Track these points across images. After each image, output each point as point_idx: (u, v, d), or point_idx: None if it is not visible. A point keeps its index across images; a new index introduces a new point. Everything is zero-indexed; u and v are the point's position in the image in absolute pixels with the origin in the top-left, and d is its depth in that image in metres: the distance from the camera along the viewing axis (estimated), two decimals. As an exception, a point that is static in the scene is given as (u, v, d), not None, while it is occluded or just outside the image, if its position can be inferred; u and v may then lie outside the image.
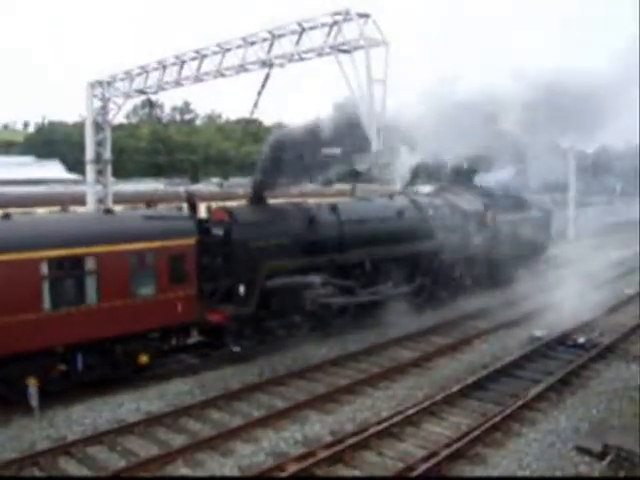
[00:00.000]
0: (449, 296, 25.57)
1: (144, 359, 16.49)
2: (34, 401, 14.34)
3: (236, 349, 18.12)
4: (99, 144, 25.36)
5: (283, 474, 11.57)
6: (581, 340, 19.62)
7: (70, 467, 12.32)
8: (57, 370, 15.38)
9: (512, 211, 28.83)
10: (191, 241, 17.35)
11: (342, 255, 20.94)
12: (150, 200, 20.76)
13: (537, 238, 30.28)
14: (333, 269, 20.51)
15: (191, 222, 18.00)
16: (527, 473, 11.88)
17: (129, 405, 15.11)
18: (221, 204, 21.56)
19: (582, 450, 12.52)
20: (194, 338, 19.29)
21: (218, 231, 18.75)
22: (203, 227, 18.78)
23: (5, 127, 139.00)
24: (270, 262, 18.69)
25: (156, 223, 17.07)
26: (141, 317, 16.30)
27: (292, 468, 11.74)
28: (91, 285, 15.63)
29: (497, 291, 27.06)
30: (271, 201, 21.05)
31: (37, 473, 12.11)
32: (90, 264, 15.59)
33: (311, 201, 24.11)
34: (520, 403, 14.68)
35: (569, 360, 17.97)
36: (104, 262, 15.70)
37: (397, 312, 21.95)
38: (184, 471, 12.11)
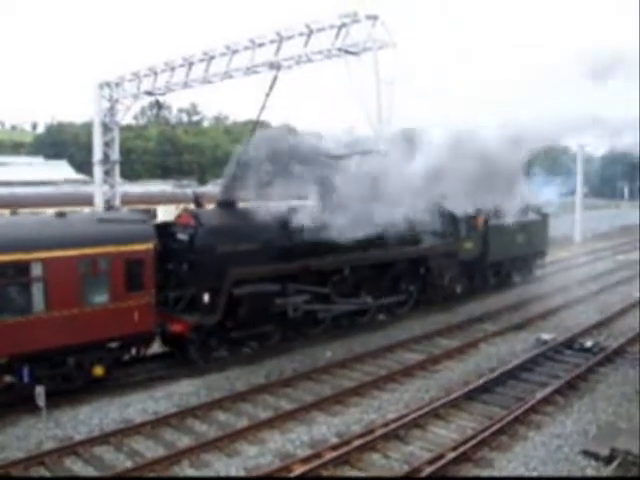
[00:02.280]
0: (438, 303, 24.89)
1: (99, 371, 15.68)
2: (41, 401, 14.36)
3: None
4: (107, 145, 25.45)
5: (289, 475, 11.55)
6: (588, 344, 19.56)
7: (76, 467, 12.33)
8: (1, 382, 14.61)
9: (507, 215, 27.32)
10: (149, 246, 16.36)
11: (319, 261, 20.07)
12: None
13: (533, 242, 29.78)
14: (309, 276, 19.79)
15: (149, 226, 17.07)
16: (534, 477, 11.85)
17: (136, 405, 15.11)
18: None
19: (589, 454, 12.47)
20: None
21: (183, 236, 18.08)
22: (168, 231, 18.26)
23: (14, 128, 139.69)
24: (238, 269, 17.84)
25: (111, 227, 16.13)
26: (94, 327, 15.34)
27: (298, 469, 11.73)
28: (38, 293, 14.63)
29: (491, 297, 27.01)
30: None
31: (43, 473, 12.13)
32: (36, 270, 14.57)
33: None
34: (527, 406, 14.64)
35: (576, 364, 17.92)
36: (52, 268, 14.68)
37: (381, 320, 22.07)
38: (190, 472, 12.12)
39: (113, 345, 16.22)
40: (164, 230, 18.20)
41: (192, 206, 20.04)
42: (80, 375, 15.56)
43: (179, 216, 19.12)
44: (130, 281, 15.94)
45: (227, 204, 19.54)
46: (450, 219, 25.10)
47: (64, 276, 14.90)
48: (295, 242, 19.55)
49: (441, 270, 24.44)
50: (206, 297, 17.37)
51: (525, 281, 30.35)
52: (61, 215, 15.96)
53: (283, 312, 18.93)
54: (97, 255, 15.45)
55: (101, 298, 15.57)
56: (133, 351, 17.02)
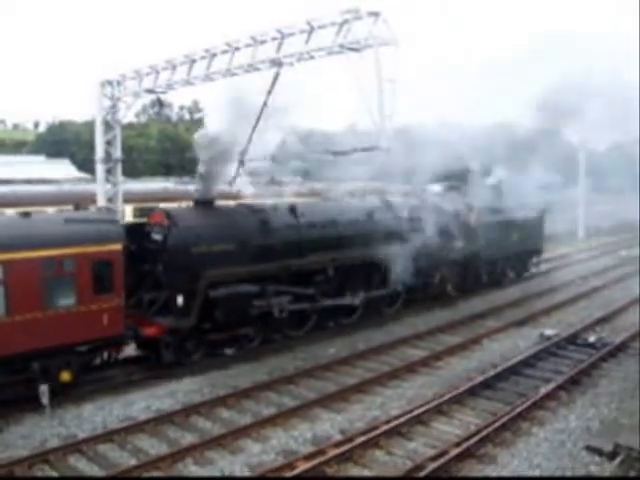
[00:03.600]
0: (426, 303, 24.58)
1: (66, 376, 15.08)
2: (45, 399, 14.40)
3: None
4: (109, 143, 25.35)
5: (293, 472, 11.57)
6: (591, 339, 19.57)
7: (81, 465, 12.37)
8: None
9: (500, 212, 27.30)
10: (117, 247, 15.77)
11: (300, 261, 19.62)
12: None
13: (528, 240, 29.30)
14: (290, 276, 19.37)
15: (118, 226, 16.49)
16: (537, 473, 11.85)
17: (139, 403, 15.15)
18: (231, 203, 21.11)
19: (592, 450, 12.48)
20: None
21: (157, 236, 17.56)
22: (143, 231, 17.83)
23: (16, 127, 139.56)
24: (213, 270, 17.38)
25: (77, 227, 15.42)
26: (60, 331, 14.73)
27: (302, 466, 11.75)
28: None
29: (494, 293, 26.97)
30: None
31: (48, 471, 12.16)
32: None
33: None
34: (530, 402, 14.64)
35: (579, 359, 17.92)
36: (13, 270, 14.11)
37: (369, 320, 21.84)
38: (194, 469, 12.14)
39: (82, 349, 15.56)
40: (139, 230, 17.84)
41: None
42: (47, 381, 14.79)
43: (153, 215, 18.56)
44: (98, 283, 15.39)
45: (204, 203, 19.06)
46: (441, 215, 24.54)
47: (27, 279, 14.33)
48: (275, 241, 19.10)
49: (431, 269, 24.02)
50: (180, 299, 16.97)
51: (521, 279, 30.17)
52: (26, 215, 15.27)
53: (265, 313, 18.55)
54: (62, 257, 14.83)
55: (67, 301, 14.98)
56: (105, 356, 16.69)
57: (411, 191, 25.50)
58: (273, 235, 19.09)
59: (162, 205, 20.86)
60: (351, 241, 20.99)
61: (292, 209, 20.03)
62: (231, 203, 19.86)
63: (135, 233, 17.60)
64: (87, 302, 15.22)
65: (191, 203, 20.05)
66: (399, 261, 22.29)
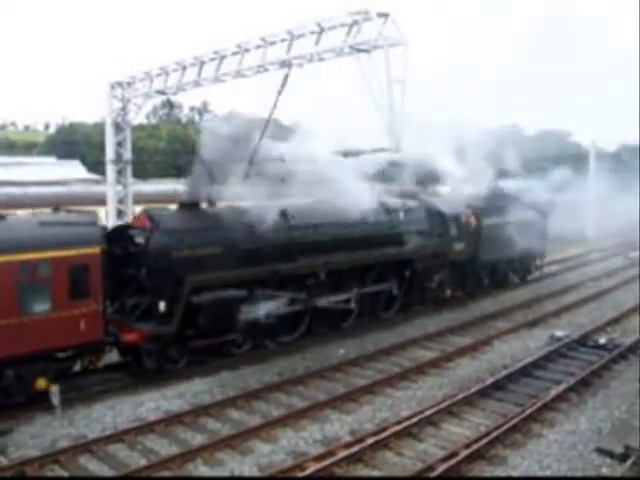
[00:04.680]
0: (425, 308, 24.09)
1: (42, 384, 14.55)
2: (55, 400, 14.46)
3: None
4: (119, 144, 25.50)
5: (303, 473, 11.56)
6: (602, 340, 19.48)
7: (91, 465, 12.39)
8: None
9: (501, 213, 26.67)
10: (95, 250, 15.16)
11: (290, 265, 18.96)
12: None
13: (530, 242, 27.99)
14: (280, 281, 18.78)
15: (96, 228, 15.75)
16: (548, 474, 11.80)
17: (149, 404, 15.16)
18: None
19: (603, 452, 12.41)
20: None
21: (140, 239, 16.89)
22: (127, 234, 17.31)
23: (26, 128, 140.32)
24: (196, 275, 16.75)
25: (53, 230, 14.84)
26: (35, 337, 14.16)
27: (311, 467, 11.75)
28: None
29: (504, 294, 26.85)
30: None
31: (58, 471, 12.20)
32: None
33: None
34: (540, 404, 14.59)
35: (590, 361, 17.84)
36: None
37: (366, 323, 21.56)
38: (204, 470, 12.15)
39: (59, 356, 15.11)
40: (123, 232, 17.42)
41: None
42: (22, 388, 14.48)
43: (136, 218, 18.15)
44: (75, 288, 14.81)
45: (189, 205, 18.49)
46: (439, 218, 24.22)
47: None
48: (264, 245, 18.45)
49: (429, 272, 23.48)
50: (162, 305, 16.37)
51: (531, 280, 29.95)
52: (0, 218, 14.78)
53: (254, 319, 17.98)
54: (37, 261, 14.24)
55: (42, 306, 14.40)
56: (85, 362, 16.11)
57: (408, 192, 24.55)
58: (262, 238, 18.43)
59: (171, 207, 20.56)
60: (345, 244, 20.42)
61: (283, 211, 19.33)
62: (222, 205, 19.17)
63: (120, 236, 17.19)
64: (63, 307, 14.65)
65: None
66: (395, 264, 22.06)
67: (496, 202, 26.79)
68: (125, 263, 16.87)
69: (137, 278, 16.78)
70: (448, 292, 25.11)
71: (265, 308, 18.13)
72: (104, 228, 17.14)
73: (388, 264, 21.98)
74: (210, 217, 18.32)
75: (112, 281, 16.80)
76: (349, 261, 20.55)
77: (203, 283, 16.93)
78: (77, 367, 16.18)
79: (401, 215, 22.62)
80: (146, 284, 16.61)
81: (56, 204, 30.37)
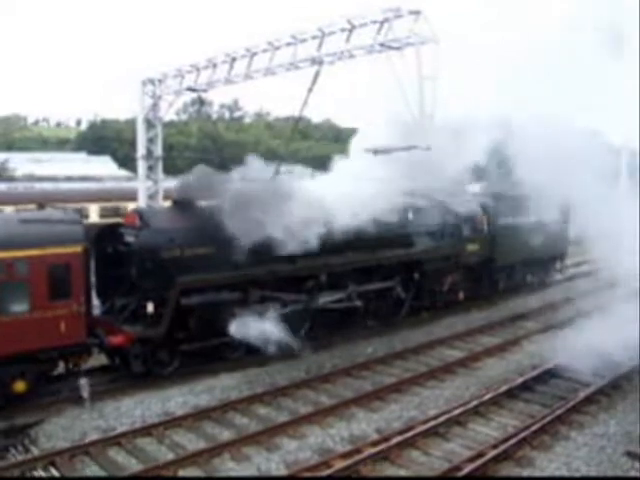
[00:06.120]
0: (435, 312, 23.08)
1: (20, 386, 14.17)
2: (85, 392, 14.62)
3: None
4: (150, 141, 25.69)
5: (329, 471, 11.58)
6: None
7: (120, 457, 12.53)
8: None
9: (519, 213, 25.35)
10: (77, 249, 14.63)
11: (288, 266, 17.95)
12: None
13: (550, 244, 26.92)
14: (278, 281, 17.96)
15: (78, 226, 15.10)
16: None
17: (177, 399, 15.26)
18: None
19: (633, 456, 12.27)
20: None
21: (129, 238, 16.35)
22: (118, 232, 16.89)
23: (58, 124, 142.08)
24: (186, 276, 16.06)
25: (33, 228, 14.37)
26: (12, 338, 13.76)
27: (338, 465, 11.76)
28: None
29: (534, 294, 26.50)
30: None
31: (88, 462, 12.35)
32: None
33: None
34: (569, 405, 14.46)
35: (620, 363, 17.60)
36: None
37: (370, 328, 21.04)
38: (230, 465, 12.22)
39: (39, 358, 14.53)
40: (114, 231, 17.05)
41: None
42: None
43: (127, 215, 17.76)
44: (55, 288, 14.30)
45: (183, 203, 17.79)
46: (452, 218, 23.35)
47: None
48: (261, 244, 16.94)
49: (439, 274, 22.64)
50: (150, 307, 15.81)
51: (542, 285, 29.18)
52: None
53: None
54: (14, 259, 13.78)
55: (20, 307, 13.96)
56: (67, 364, 15.43)
57: (417, 192, 22.65)
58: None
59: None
60: (346, 245, 19.06)
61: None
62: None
63: (112, 234, 16.93)
64: (42, 308, 14.16)
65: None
66: (402, 266, 21.16)
67: (513, 202, 25.69)
68: (116, 262, 16.56)
69: (126, 278, 16.34)
70: (461, 295, 24.20)
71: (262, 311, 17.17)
72: (89, 226, 16.67)
73: (394, 266, 21.02)
74: (204, 215, 17.32)
75: (103, 281, 16.76)
76: (350, 262, 19.66)
77: (194, 284, 16.34)
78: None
79: (410, 215, 21.57)
80: (135, 284, 16.15)
81: (87, 200, 30.77)
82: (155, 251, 15.89)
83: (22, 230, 14.31)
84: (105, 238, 16.93)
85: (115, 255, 16.63)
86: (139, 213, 17.01)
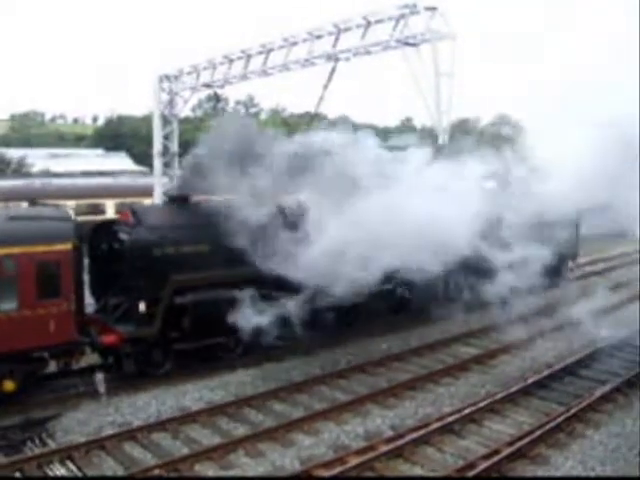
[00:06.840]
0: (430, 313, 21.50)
1: (9, 386, 13.94)
2: (101, 387, 14.72)
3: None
4: (166, 137, 25.85)
5: (344, 467, 11.59)
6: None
7: (135, 452, 12.62)
8: None
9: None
10: (66, 246, 14.40)
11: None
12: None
13: (560, 244, 25.06)
14: (276, 282, 16.73)
15: (68, 224, 14.92)
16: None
17: (192, 394, 15.31)
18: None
19: (648, 455, 12.21)
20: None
21: (123, 235, 16.13)
22: (112, 230, 16.66)
23: (75, 121, 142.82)
24: (180, 274, 15.89)
25: (22, 225, 14.27)
26: None
27: (353, 461, 11.77)
28: None
29: (549, 291, 26.20)
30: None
31: (104, 457, 12.43)
32: None
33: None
34: (585, 404, 14.39)
35: (637, 361, 17.51)
36: None
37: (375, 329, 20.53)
38: (245, 460, 12.26)
39: (29, 357, 14.42)
40: (108, 228, 16.87)
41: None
42: None
43: (121, 212, 17.49)
44: (43, 286, 14.07)
45: (178, 199, 17.58)
46: None
47: None
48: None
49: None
50: (142, 306, 15.59)
51: (554, 285, 28.66)
52: None
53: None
54: (1, 257, 13.63)
55: (7, 305, 13.75)
56: (59, 364, 15.23)
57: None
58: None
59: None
60: None
61: (281, 207, 17.89)
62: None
63: (106, 232, 16.80)
64: (30, 306, 13.93)
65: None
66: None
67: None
68: (110, 260, 16.39)
69: (119, 276, 16.19)
70: (466, 294, 23.00)
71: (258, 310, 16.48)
72: (79, 223, 16.38)
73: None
74: (200, 213, 17.16)
75: (97, 278, 16.66)
76: None
77: (188, 283, 16.14)
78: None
79: None
80: (128, 283, 15.95)
81: (103, 196, 30.96)
82: (148, 249, 15.72)
83: (10, 227, 14.18)
84: (100, 235, 16.82)
85: (109, 253, 16.47)
86: (132, 210, 16.79)
